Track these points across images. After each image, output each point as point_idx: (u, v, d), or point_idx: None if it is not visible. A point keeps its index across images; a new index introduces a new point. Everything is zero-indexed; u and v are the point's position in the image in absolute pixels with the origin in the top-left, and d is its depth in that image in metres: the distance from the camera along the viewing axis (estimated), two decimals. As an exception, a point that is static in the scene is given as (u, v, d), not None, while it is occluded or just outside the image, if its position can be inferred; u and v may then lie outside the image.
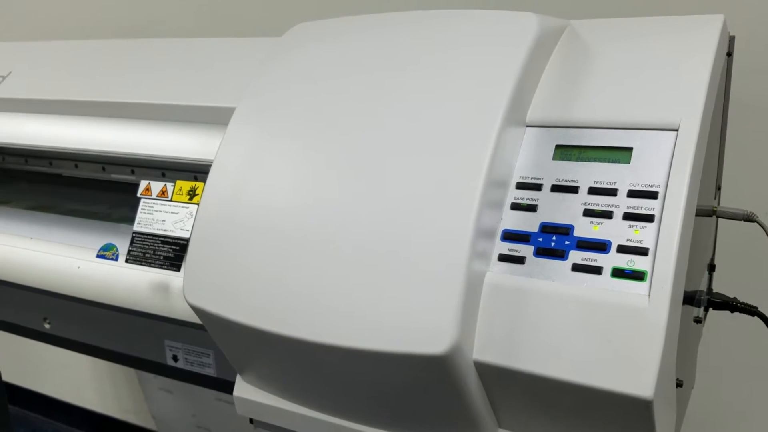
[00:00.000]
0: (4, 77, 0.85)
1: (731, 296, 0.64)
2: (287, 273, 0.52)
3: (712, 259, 0.77)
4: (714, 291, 0.67)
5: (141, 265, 0.66)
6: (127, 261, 0.67)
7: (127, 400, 2.02)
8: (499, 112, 0.49)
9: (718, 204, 0.75)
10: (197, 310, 0.58)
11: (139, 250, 0.67)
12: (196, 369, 0.79)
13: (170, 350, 0.80)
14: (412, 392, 0.51)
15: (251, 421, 0.69)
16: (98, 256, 0.72)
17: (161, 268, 0.66)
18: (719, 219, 0.72)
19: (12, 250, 0.81)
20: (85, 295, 0.75)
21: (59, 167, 0.98)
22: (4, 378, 2.36)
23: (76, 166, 0.97)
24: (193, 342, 0.78)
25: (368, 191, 0.51)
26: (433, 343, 0.46)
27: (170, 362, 0.81)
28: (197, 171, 0.77)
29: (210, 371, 0.79)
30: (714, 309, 0.66)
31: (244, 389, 0.66)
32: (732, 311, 0.63)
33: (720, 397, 1.07)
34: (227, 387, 0.80)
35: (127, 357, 0.85)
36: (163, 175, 0.84)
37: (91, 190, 1.04)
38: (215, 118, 0.68)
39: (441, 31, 0.57)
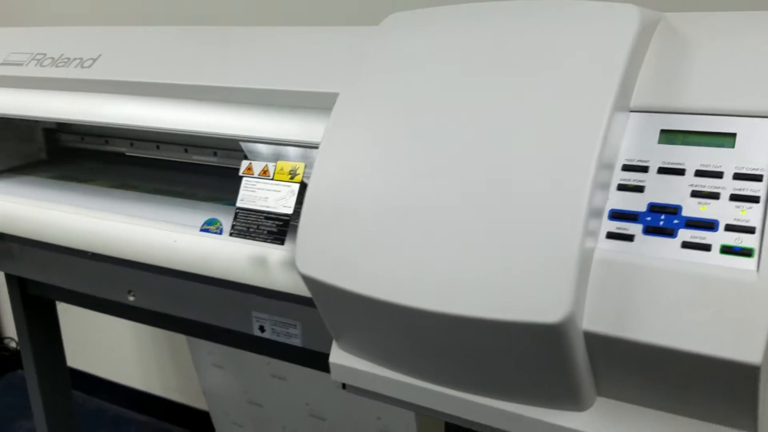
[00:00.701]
0: (94, 60, 0.89)
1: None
2: (401, 245, 0.56)
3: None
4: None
5: (245, 238, 0.71)
6: (231, 235, 0.71)
7: (171, 378, 2.08)
8: (610, 98, 0.52)
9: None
10: (309, 280, 0.62)
11: (242, 224, 0.71)
12: (282, 339, 0.84)
13: (257, 321, 0.85)
14: (519, 361, 0.55)
15: (344, 386, 0.73)
16: (202, 230, 0.76)
17: (265, 241, 0.70)
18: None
19: (104, 224, 0.86)
20: (181, 267, 0.79)
21: (141, 148, 1.03)
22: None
23: (158, 147, 1.02)
24: (281, 314, 0.83)
25: (482, 168, 0.55)
26: (549, 313, 0.49)
27: (256, 332, 0.85)
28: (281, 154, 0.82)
29: (296, 341, 0.83)
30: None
31: (339, 356, 0.70)
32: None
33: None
34: (311, 358, 0.84)
35: (211, 327, 0.90)
36: (245, 157, 0.88)
37: (168, 170, 1.08)
38: (313, 102, 0.71)
39: (542, 20, 0.60)
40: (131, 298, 0.94)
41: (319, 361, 0.82)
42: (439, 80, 0.61)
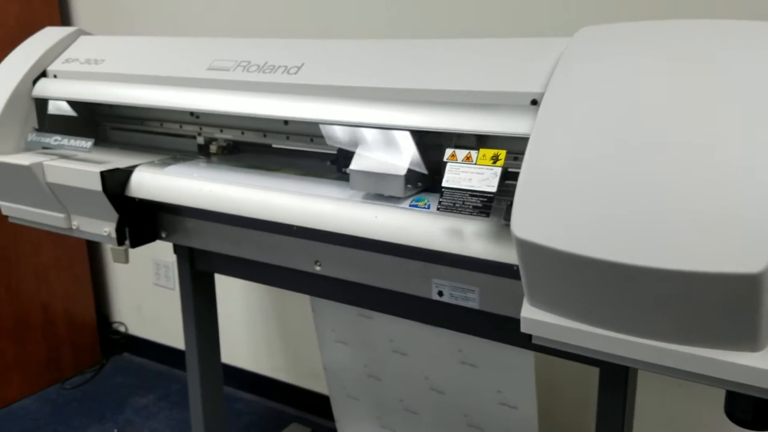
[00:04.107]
0: (298, 68, 1.06)
1: None
2: (613, 210, 0.70)
3: None
4: None
5: (451, 213, 0.86)
6: (438, 209, 0.86)
7: (279, 359, 2.25)
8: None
9: None
10: (524, 243, 0.76)
11: (449, 201, 0.86)
12: (459, 302, 0.98)
13: (436, 287, 0.99)
14: (714, 308, 0.68)
15: (530, 338, 0.87)
16: (411, 205, 0.92)
17: (471, 215, 0.84)
18: None
19: (308, 202, 1.02)
20: (384, 238, 0.95)
21: (319, 144, 1.19)
22: (168, 342, 2.64)
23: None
24: (460, 280, 0.97)
25: (690, 147, 0.68)
26: (752, 265, 0.63)
27: (435, 296, 1.00)
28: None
29: (473, 304, 0.97)
30: None
31: (530, 311, 0.84)
32: None
33: None
34: (485, 321, 0.98)
35: (391, 293, 1.05)
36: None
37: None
38: (514, 101, 0.86)
39: (726, 36, 0.74)
40: (317, 268, 1.10)
41: (493, 324, 0.96)
42: (645, 79, 0.74)
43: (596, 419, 1.16)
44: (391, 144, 0.99)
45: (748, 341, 0.70)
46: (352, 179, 1.02)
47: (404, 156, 0.97)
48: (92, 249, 2.65)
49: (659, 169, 0.69)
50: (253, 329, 2.28)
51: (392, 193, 0.98)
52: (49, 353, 2.44)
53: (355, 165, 1.01)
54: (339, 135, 1.12)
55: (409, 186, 0.98)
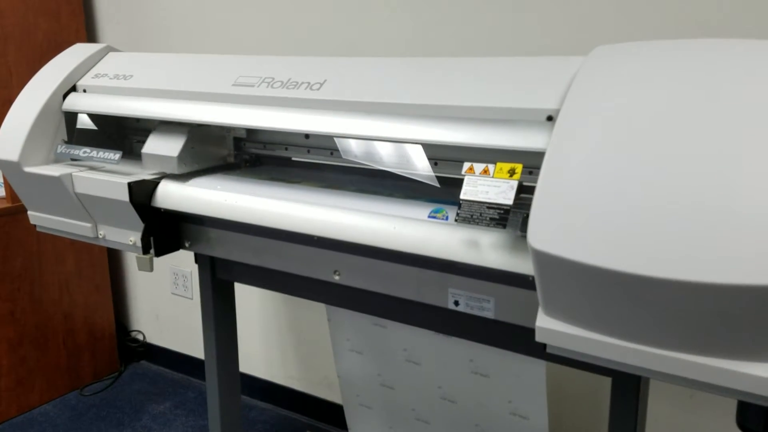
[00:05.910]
0: (321, 84, 1.10)
1: None
2: (630, 221, 0.72)
3: None
4: None
5: (469, 224, 0.88)
6: (456, 221, 0.89)
7: (292, 368, 2.28)
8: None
9: None
10: (540, 254, 0.79)
11: (466, 213, 0.89)
12: (475, 312, 1.01)
13: (453, 296, 1.02)
14: (726, 320, 0.70)
15: (545, 347, 0.89)
16: (430, 216, 0.95)
17: (488, 226, 0.87)
18: None
19: (331, 213, 1.05)
20: (403, 249, 0.98)
21: (336, 158, 1.23)
22: (185, 350, 2.69)
23: (356, 157, 1.21)
24: (476, 290, 1.00)
25: (712, 163, 0.70)
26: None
27: (451, 306, 1.03)
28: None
29: (488, 314, 1.00)
30: None
31: (545, 321, 0.86)
32: None
33: None
34: (500, 331, 1.01)
35: (408, 302, 1.08)
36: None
37: (356, 175, 1.28)
38: (531, 117, 0.89)
39: (741, 55, 0.77)
40: (336, 277, 1.13)
41: (507, 333, 0.99)
42: (658, 95, 0.77)
43: (608, 429, 1.17)
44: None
45: (762, 352, 0.72)
46: (144, 160, 1.30)
47: (177, 142, 1.26)
48: (112, 259, 2.70)
49: (674, 182, 0.71)
50: (266, 338, 2.31)
51: (170, 171, 1.26)
52: (69, 360, 2.49)
53: (145, 149, 1.29)
54: (353, 148, 1.15)
55: (184, 165, 1.27)
